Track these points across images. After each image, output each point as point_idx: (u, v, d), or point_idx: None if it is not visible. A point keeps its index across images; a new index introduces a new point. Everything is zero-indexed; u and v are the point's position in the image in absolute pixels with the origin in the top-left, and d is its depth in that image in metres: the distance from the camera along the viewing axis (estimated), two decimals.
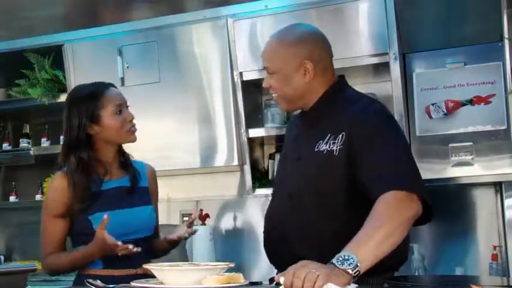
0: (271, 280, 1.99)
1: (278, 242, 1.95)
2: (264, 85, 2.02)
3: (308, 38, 1.97)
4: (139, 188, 2.27)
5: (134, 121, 2.25)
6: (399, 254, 1.79)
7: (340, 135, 1.83)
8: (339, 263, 1.48)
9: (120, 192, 2.21)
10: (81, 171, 2.16)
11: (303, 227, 1.88)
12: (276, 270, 2.01)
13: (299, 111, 2.08)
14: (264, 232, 2.04)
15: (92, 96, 2.19)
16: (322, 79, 1.95)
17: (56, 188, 2.18)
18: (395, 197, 1.65)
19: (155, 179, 2.39)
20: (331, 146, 1.84)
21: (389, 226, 1.60)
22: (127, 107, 2.25)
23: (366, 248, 1.54)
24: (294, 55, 1.93)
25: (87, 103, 2.18)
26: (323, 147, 1.86)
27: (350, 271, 1.47)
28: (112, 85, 2.28)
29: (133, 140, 2.24)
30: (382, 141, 1.78)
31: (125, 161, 2.28)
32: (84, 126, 2.16)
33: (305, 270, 1.44)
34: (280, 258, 1.92)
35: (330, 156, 1.83)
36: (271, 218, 2.02)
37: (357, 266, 1.48)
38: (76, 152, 2.17)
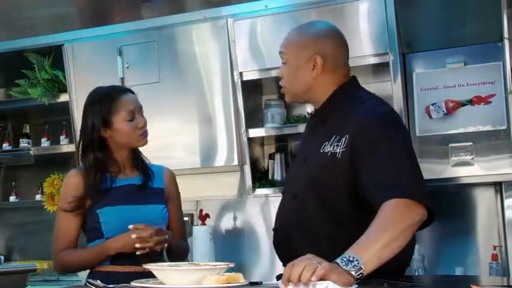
0: (278, 277, 2.00)
1: (284, 241, 1.96)
2: (277, 73, 2.06)
3: (324, 35, 2.00)
4: (153, 188, 2.31)
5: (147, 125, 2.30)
6: (403, 257, 1.79)
7: (344, 138, 1.82)
8: (343, 263, 1.48)
9: (130, 189, 2.26)
10: (97, 169, 2.23)
11: (305, 227, 1.88)
12: (283, 268, 2.02)
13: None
14: (273, 230, 2.05)
15: (106, 100, 2.25)
16: (331, 77, 1.96)
17: (72, 183, 2.25)
18: (402, 203, 1.63)
19: (174, 183, 2.42)
20: (335, 148, 1.83)
21: (394, 230, 1.59)
22: (142, 112, 2.30)
23: (370, 251, 1.54)
24: (307, 47, 1.96)
25: (100, 107, 2.24)
26: (327, 148, 1.85)
27: (353, 273, 1.47)
28: (129, 90, 2.35)
29: (144, 144, 2.30)
30: (385, 147, 1.76)
31: (137, 163, 2.33)
32: (98, 129, 2.23)
33: (305, 262, 1.45)
34: (286, 256, 1.93)
35: (333, 158, 1.83)
36: (278, 217, 2.03)
37: (361, 268, 1.48)
38: (92, 152, 2.24)
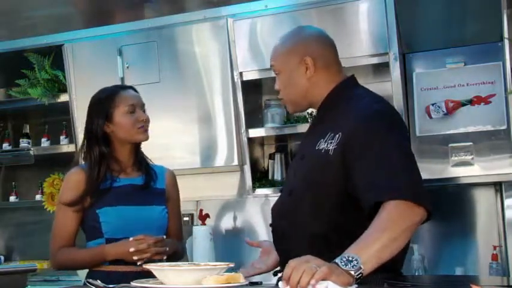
0: (275, 273, 2.00)
1: (280, 238, 1.97)
2: (275, 87, 2.05)
3: (309, 37, 2.00)
4: (154, 189, 2.33)
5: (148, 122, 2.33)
6: (401, 256, 1.78)
7: (338, 135, 1.80)
8: (343, 263, 1.47)
9: (131, 189, 2.28)
10: (101, 163, 2.25)
11: (299, 225, 1.87)
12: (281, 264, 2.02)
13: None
14: (270, 225, 2.06)
15: (108, 96, 2.31)
16: (325, 76, 1.95)
17: (73, 180, 2.27)
18: (401, 204, 1.61)
19: (175, 184, 2.44)
20: (329, 145, 1.82)
21: (394, 230, 1.58)
22: (144, 109, 2.34)
23: (369, 251, 1.53)
24: (294, 52, 1.95)
25: (103, 102, 2.30)
26: (322, 145, 1.84)
27: (353, 273, 1.47)
28: (131, 87, 2.40)
29: (144, 138, 2.32)
30: (379, 146, 1.73)
31: (140, 162, 2.34)
32: (101, 124, 2.27)
33: (305, 265, 1.44)
34: (283, 253, 1.93)
35: (326, 155, 1.81)
36: (274, 214, 2.03)
37: (361, 268, 1.48)
38: (96, 148, 2.27)
